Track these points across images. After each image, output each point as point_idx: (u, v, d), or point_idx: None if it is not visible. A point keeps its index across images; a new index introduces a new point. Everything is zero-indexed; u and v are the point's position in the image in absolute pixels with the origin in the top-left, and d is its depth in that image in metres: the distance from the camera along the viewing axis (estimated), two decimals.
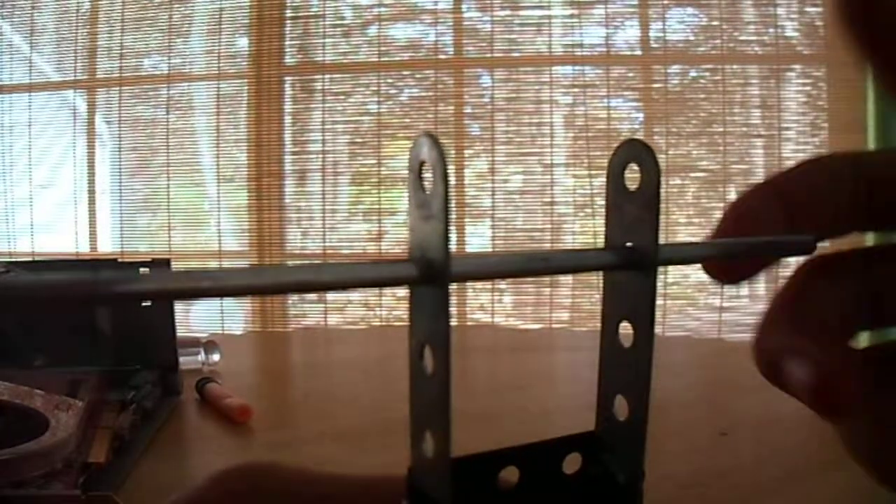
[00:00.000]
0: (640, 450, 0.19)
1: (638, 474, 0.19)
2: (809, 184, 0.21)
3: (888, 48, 0.20)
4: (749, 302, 2.36)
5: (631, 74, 2.36)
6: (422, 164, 0.16)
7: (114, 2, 2.50)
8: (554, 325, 2.30)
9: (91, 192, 2.54)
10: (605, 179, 0.19)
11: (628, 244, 0.19)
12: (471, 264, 0.17)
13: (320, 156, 2.44)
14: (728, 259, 0.21)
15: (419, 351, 0.17)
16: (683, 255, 0.20)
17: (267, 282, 0.15)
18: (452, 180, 2.36)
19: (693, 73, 2.36)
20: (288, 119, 2.48)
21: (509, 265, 0.17)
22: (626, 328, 0.19)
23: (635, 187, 0.19)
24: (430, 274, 0.16)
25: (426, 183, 0.16)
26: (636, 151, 0.18)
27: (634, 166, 0.19)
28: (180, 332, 0.73)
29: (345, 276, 0.16)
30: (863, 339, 0.22)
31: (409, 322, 0.17)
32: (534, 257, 0.17)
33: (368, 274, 0.16)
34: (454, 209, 2.33)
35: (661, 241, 0.18)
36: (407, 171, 0.17)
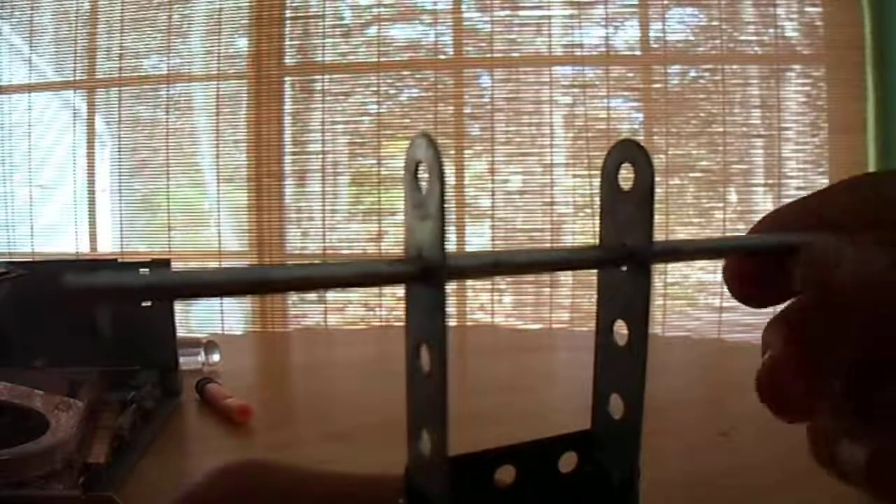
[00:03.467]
0: (635, 448, 0.19)
1: (633, 472, 0.19)
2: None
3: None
4: None
5: (630, 74, 2.36)
6: (418, 164, 0.17)
7: (114, 2, 2.50)
8: (554, 325, 2.30)
9: (91, 192, 2.54)
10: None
11: (622, 243, 0.19)
12: (466, 262, 0.17)
13: (320, 156, 2.44)
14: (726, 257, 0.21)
15: (416, 350, 0.17)
16: (677, 253, 0.20)
17: (264, 280, 0.15)
18: (452, 180, 2.37)
19: (693, 73, 2.36)
20: (288, 119, 2.48)
21: (504, 263, 0.17)
22: (621, 327, 0.20)
23: (629, 187, 0.19)
24: (427, 272, 0.16)
25: (422, 183, 0.17)
26: (630, 151, 0.18)
27: (629, 166, 0.19)
28: (180, 332, 0.73)
29: (342, 275, 0.16)
30: None
31: (405, 321, 0.18)
32: (528, 255, 0.18)
33: (365, 272, 0.16)
34: (454, 209, 2.33)
35: (657, 240, 0.18)
36: (403, 171, 0.17)
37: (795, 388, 0.19)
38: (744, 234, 0.22)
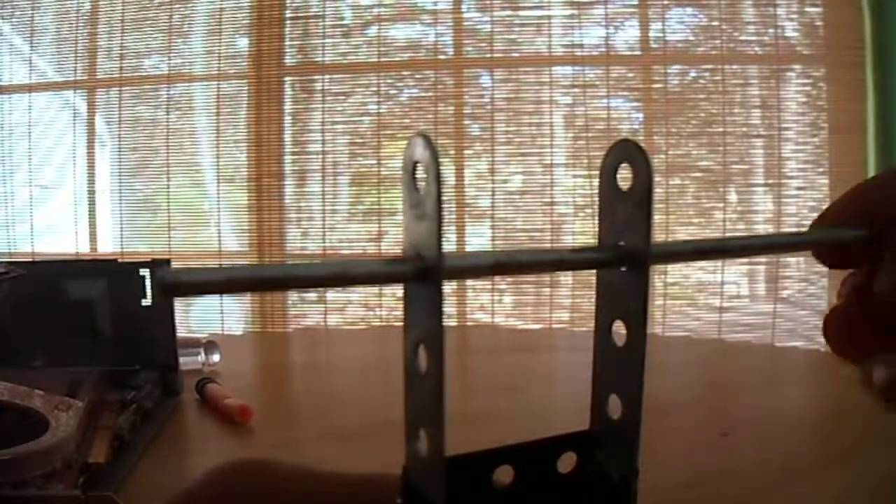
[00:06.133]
0: (633, 448, 0.19)
1: (632, 472, 0.19)
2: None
3: None
4: (749, 302, 2.36)
5: (631, 74, 2.36)
6: (415, 164, 0.17)
7: (114, 2, 2.50)
8: (554, 325, 2.30)
9: (91, 192, 2.54)
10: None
11: (621, 243, 0.19)
12: (463, 262, 0.17)
13: (320, 156, 2.44)
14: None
15: (414, 350, 0.17)
16: (675, 253, 0.20)
17: (262, 278, 0.15)
18: (452, 180, 2.37)
19: (693, 73, 2.36)
20: (288, 119, 2.48)
21: (502, 263, 0.17)
22: (619, 327, 0.20)
23: (628, 187, 0.19)
24: (424, 272, 0.16)
25: (420, 183, 0.17)
26: (628, 152, 0.18)
27: (627, 166, 0.19)
28: (180, 332, 0.73)
29: (340, 274, 0.16)
30: None
31: (403, 321, 0.18)
32: (526, 255, 0.18)
33: (363, 271, 0.16)
34: (454, 209, 2.33)
35: (656, 240, 0.18)
36: (401, 172, 0.17)
37: (854, 332, 0.23)
38: (736, 236, 0.22)
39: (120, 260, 0.78)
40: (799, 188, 2.29)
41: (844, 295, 0.24)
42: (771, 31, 2.29)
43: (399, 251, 0.17)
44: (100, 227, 2.55)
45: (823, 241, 0.23)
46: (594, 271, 0.20)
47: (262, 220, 2.46)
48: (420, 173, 0.16)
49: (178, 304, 1.10)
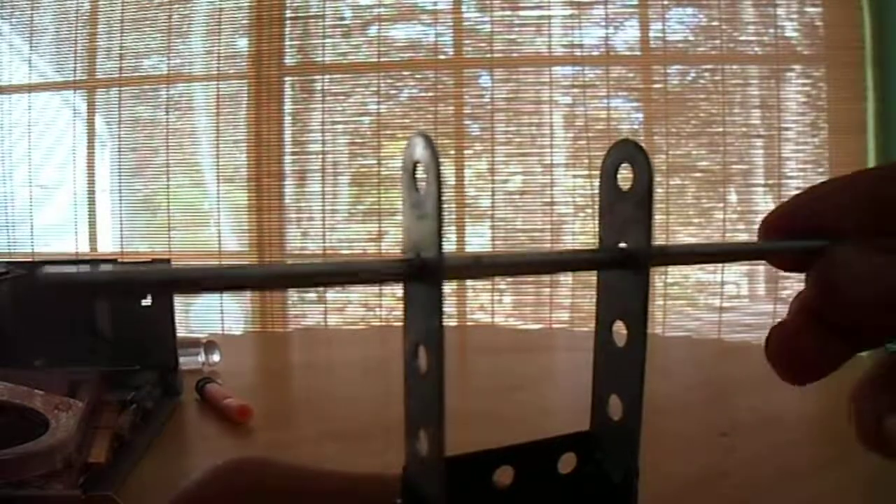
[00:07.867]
0: (634, 449, 0.19)
1: (632, 473, 0.19)
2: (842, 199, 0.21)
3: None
4: (749, 302, 2.36)
5: (631, 74, 2.36)
6: (415, 163, 0.17)
7: (114, 2, 2.50)
8: (554, 325, 2.30)
9: (91, 192, 2.54)
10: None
11: (621, 244, 0.19)
12: (463, 262, 0.17)
13: (320, 156, 2.45)
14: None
15: (414, 350, 0.17)
16: (676, 255, 0.20)
17: (262, 278, 0.15)
18: (452, 180, 2.37)
19: (693, 73, 2.36)
20: (288, 119, 2.48)
21: (503, 264, 0.17)
22: (620, 328, 0.19)
23: (628, 187, 0.19)
24: (424, 272, 0.16)
25: (420, 183, 0.17)
26: (629, 152, 0.18)
27: (628, 166, 0.19)
28: (180, 332, 0.73)
29: (340, 273, 0.16)
30: None
31: (403, 321, 0.18)
32: (526, 256, 0.18)
33: (363, 271, 0.16)
34: (454, 209, 2.33)
35: (658, 241, 0.18)
36: (401, 172, 0.17)
37: (799, 346, 0.20)
38: (743, 241, 0.22)
39: (120, 260, 0.78)
40: (799, 188, 2.28)
41: (794, 312, 0.21)
42: (771, 31, 2.29)
43: (399, 251, 0.17)
44: (100, 227, 2.55)
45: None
46: (594, 271, 0.20)
47: (262, 220, 2.46)
48: (420, 173, 0.16)
49: (179, 303, 1.10)
